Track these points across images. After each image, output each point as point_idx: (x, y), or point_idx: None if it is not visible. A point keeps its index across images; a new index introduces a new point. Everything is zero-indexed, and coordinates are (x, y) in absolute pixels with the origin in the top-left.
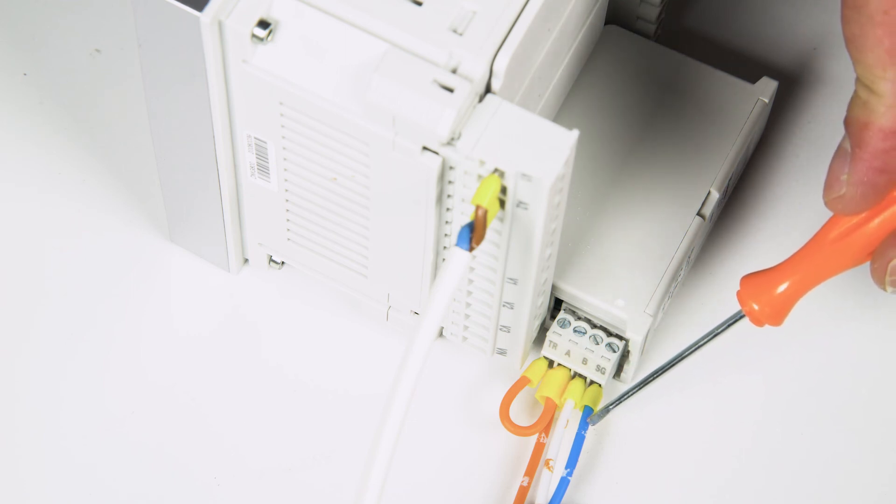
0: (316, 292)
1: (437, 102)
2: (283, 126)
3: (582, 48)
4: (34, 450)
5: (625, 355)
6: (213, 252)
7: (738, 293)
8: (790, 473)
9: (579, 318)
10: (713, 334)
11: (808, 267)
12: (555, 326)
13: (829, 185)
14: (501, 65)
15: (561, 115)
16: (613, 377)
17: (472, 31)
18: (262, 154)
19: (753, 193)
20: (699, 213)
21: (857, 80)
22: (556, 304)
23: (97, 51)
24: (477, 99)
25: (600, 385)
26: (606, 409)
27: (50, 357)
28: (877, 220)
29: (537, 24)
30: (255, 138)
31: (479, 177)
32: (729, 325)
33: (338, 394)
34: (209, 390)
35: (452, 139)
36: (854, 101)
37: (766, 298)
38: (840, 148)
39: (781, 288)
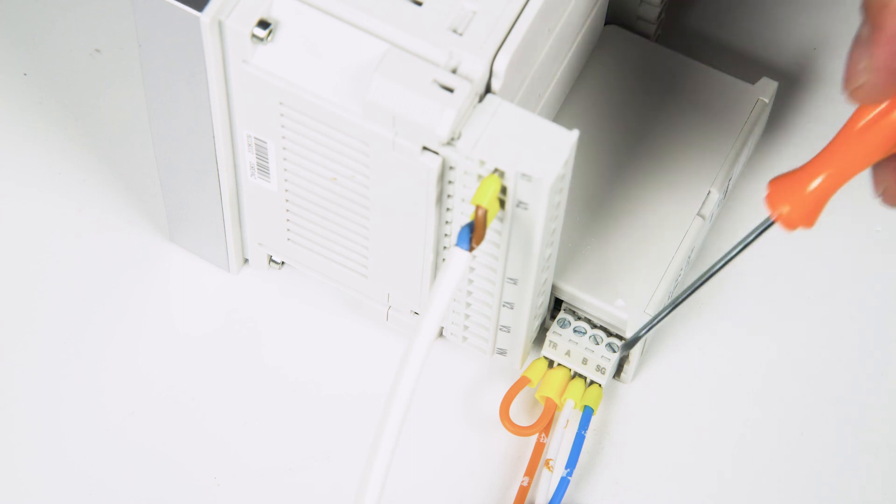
0: (316, 292)
1: (437, 102)
2: (283, 126)
3: (582, 48)
4: (33, 450)
5: (625, 355)
6: (213, 252)
7: (767, 197)
8: (790, 474)
9: (579, 318)
10: (743, 244)
11: (837, 161)
12: (555, 326)
13: (848, 76)
14: (501, 65)
15: (561, 115)
16: (613, 377)
17: (472, 31)
18: (262, 154)
19: (753, 193)
20: (699, 213)
21: None
22: (556, 304)
23: (97, 51)
24: (477, 99)
25: (600, 385)
26: (637, 337)
27: (49, 357)
28: None
29: (537, 24)
30: (255, 138)
31: (479, 177)
32: (759, 233)
33: (337, 394)
34: (209, 390)
35: (452, 139)
36: None
37: (797, 199)
38: (858, 35)
39: (812, 185)
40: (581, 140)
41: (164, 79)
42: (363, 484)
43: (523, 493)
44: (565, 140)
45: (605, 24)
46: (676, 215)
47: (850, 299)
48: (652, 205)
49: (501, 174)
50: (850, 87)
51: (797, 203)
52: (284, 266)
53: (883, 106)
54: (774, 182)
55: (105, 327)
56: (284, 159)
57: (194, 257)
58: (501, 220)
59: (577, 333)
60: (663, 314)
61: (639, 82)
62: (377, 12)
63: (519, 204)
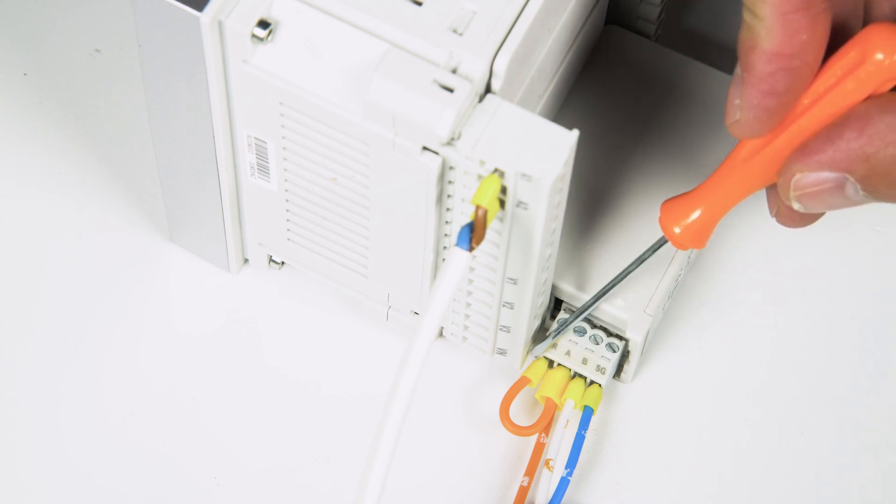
0: (316, 292)
1: (437, 102)
2: (283, 126)
3: (582, 48)
4: (33, 450)
5: (625, 355)
6: (213, 252)
7: (660, 219)
8: (790, 474)
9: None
10: (640, 260)
11: (722, 189)
12: (555, 326)
13: (726, 111)
14: (501, 65)
15: (561, 115)
16: (613, 377)
17: (472, 31)
18: (262, 154)
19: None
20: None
21: (742, 4)
22: (556, 304)
23: (97, 51)
24: (477, 99)
25: (600, 385)
26: (553, 337)
27: (49, 357)
28: (780, 139)
29: (537, 24)
30: (255, 138)
31: (479, 177)
32: (654, 250)
33: (337, 394)
34: (209, 390)
35: (452, 139)
36: (742, 25)
37: (685, 223)
38: (734, 74)
39: (698, 212)
40: (581, 140)
41: (164, 79)
42: (363, 484)
43: (523, 493)
44: (565, 140)
45: (605, 24)
46: None
47: (850, 299)
48: (652, 205)
49: (501, 174)
50: (728, 121)
51: (686, 227)
52: (284, 266)
53: (763, 140)
54: (666, 204)
55: (105, 327)
56: (284, 159)
57: (194, 257)
58: (501, 220)
59: (577, 333)
60: (567, 323)
61: (639, 82)
62: (377, 12)
63: (519, 204)
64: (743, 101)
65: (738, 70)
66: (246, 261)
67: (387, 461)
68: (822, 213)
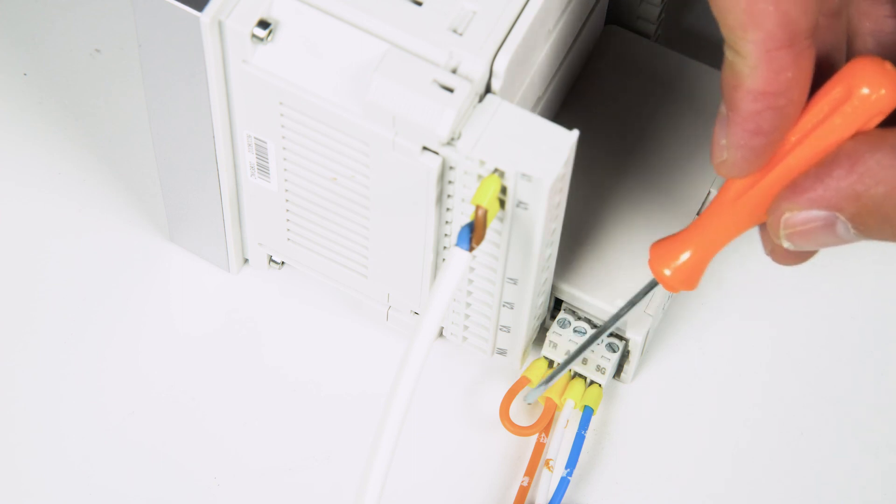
0: (316, 292)
1: (437, 102)
2: (283, 126)
3: (582, 48)
4: (33, 450)
5: (625, 355)
6: (213, 252)
7: (650, 261)
8: (790, 474)
9: (579, 318)
10: (631, 304)
11: (711, 229)
12: (555, 326)
13: (712, 151)
14: (501, 65)
15: (561, 115)
16: (613, 377)
17: (472, 31)
18: (262, 154)
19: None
20: (699, 213)
21: (724, 42)
22: (556, 304)
23: (97, 51)
24: (477, 99)
25: (600, 385)
26: (545, 383)
27: (49, 357)
28: (768, 178)
29: (537, 24)
30: (255, 138)
31: (479, 177)
32: (644, 293)
33: (337, 394)
34: (209, 390)
35: (452, 139)
36: (724, 64)
37: (675, 265)
38: (719, 113)
39: (688, 254)
40: (581, 140)
41: (164, 79)
42: (363, 484)
43: (523, 493)
44: (565, 140)
45: (605, 24)
46: (676, 215)
47: (850, 299)
48: (652, 205)
49: (501, 174)
50: (715, 161)
51: (676, 269)
52: (284, 266)
53: (751, 179)
54: (655, 246)
55: (105, 327)
56: (284, 159)
57: (194, 257)
58: (501, 220)
59: (577, 333)
60: (560, 369)
61: (639, 82)
62: (377, 12)
63: (519, 204)
64: (729, 140)
65: (722, 109)
66: (246, 261)
67: (387, 461)
68: (815, 252)
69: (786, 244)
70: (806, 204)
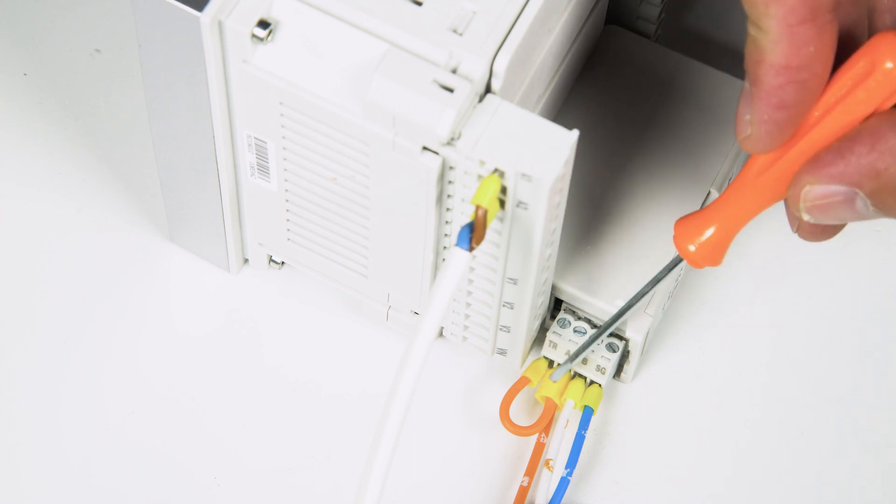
0: (316, 292)
1: (437, 102)
2: (283, 126)
3: (582, 48)
4: (33, 450)
5: (625, 355)
6: (213, 252)
7: (674, 237)
8: (790, 474)
9: (579, 318)
10: (656, 280)
11: (735, 205)
12: (555, 326)
13: (737, 127)
14: (501, 65)
15: (561, 115)
16: (613, 377)
17: (472, 31)
18: (262, 154)
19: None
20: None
21: (747, 18)
22: (556, 304)
23: (97, 51)
24: (477, 99)
25: (600, 385)
26: (570, 361)
27: (49, 357)
28: (791, 153)
29: (537, 24)
30: (255, 138)
31: (479, 177)
32: (670, 270)
33: (337, 394)
34: (209, 391)
35: (452, 139)
36: (747, 40)
37: (700, 240)
38: (743, 89)
39: (713, 229)
40: (581, 140)
41: (164, 79)
42: (363, 484)
43: (523, 493)
44: (565, 140)
45: (605, 24)
46: (676, 215)
47: (850, 299)
48: (652, 205)
49: (501, 174)
50: (739, 137)
51: (701, 245)
52: (284, 266)
53: (774, 154)
54: (680, 222)
55: (105, 327)
56: (284, 159)
57: (194, 257)
58: (501, 220)
59: (577, 333)
60: (578, 352)
61: (639, 82)
62: (377, 12)
63: (519, 204)
64: (753, 115)
65: (746, 85)
66: (246, 261)
67: (387, 461)
68: (842, 226)
69: (805, 217)
70: (826, 178)
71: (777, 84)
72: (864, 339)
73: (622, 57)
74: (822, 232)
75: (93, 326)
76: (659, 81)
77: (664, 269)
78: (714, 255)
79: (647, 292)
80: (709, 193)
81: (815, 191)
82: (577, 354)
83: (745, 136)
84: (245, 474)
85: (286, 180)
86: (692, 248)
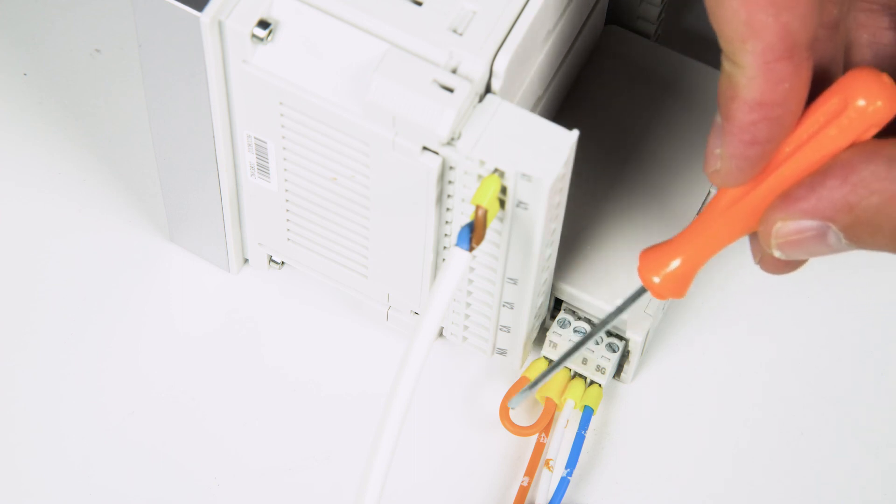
0: (316, 292)
1: (437, 102)
2: (283, 126)
3: (582, 48)
4: (33, 450)
5: (625, 355)
6: (213, 252)
7: (639, 268)
8: (790, 474)
9: (579, 318)
10: (618, 311)
11: (703, 237)
12: (555, 326)
13: (706, 160)
14: (501, 65)
15: (561, 115)
16: (613, 377)
17: (472, 31)
18: (262, 154)
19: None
20: (699, 213)
21: (722, 53)
22: (556, 304)
23: (97, 51)
24: (477, 99)
25: (600, 385)
26: (528, 389)
27: (49, 357)
28: (762, 187)
29: (537, 24)
30: (255, 138)
31: (479, 177)
32: (633, 300)
33: (337, 394)
34: (209, 391)
35: (452, 139)
36: (721, 74)
37: (665, 272)
38: (714, 122)
39: (677, 262)
40: (581, 140)
41: (164, 79)
42: (363, 484)
43: (523, 493)
44: (565, 140)
45: (605, 24)
46: (676, 215)
47: (850, 299)
48: (652, 205)
49: (501, 174)
50: (708, 170)
51: (665, 277)
52: (284, 266)
53: (744, 188)
54: (645, 253)
55: (105, 327)
56: (284, 159)
57: (194, 257)
58: (501, 220)
59: (577, 333)
60: (548, 372)
61: (639, 82)
62: (377, 12)
63: (519, 204)
64: (724, 150)
65: (717, 119)
66: (246, 261)
67: (387, 461)
68: (806, 261)
69: (777, 253)
70: (798, 214)
71: (750, 120)
72: (864, 339)
73: (622, 57)
74: (785, 266)
75: (93, 326)
76: (659, 81)
77: (627, 299)
78: (678, 287)
79: (609, 322)
80: (708, 193)
81: (787, 227)
82: (539, 380)
83: (714, 169)
84: (245, 474)
85: (286, 180)
86: (657, 279)
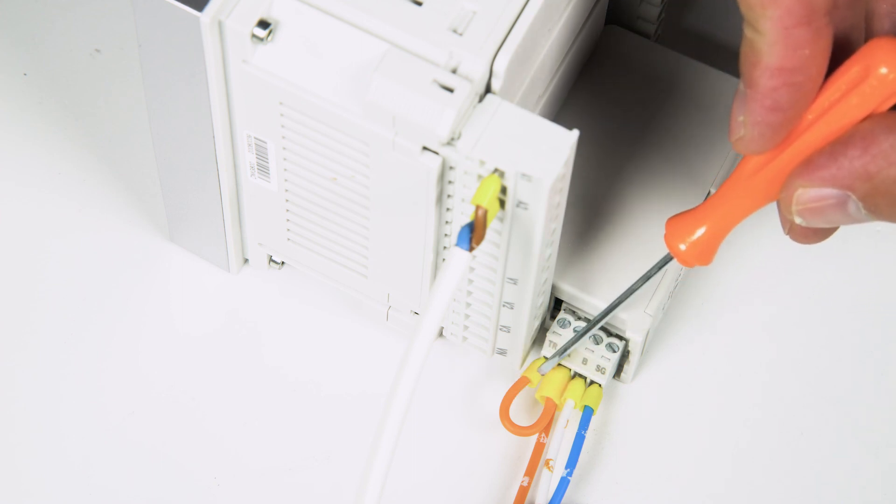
0: (316, 292)
1: (437, 102)
2: (283, 126)
3: (582, 48)
4: (33, 450)
5: (625, 355)
6: (213, 252)
7: (665, 236)
8: (790, 474)
9: (579, 318)
10: (646, 277)
11: (727, 206)
12: (555, 326)
13: (730, 128)
14: (501, 65)
15: (561, 115)
16: (613, 377)
17: (472, 31)
18: (262, 154)
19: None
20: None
21: (743, 20)
22: (556, 304)
23: (97, 51)
24: (477, 99)
25: (600, 385)
26: (559, 355)
27: (49, 357)
28: (784, 155)
29: (537, 24)
30: (255, 138)
31: (479, 177)
32: (659, 267)
33: (337, 394)
34: (209, 391)
35: (452, 139)
36: (743, 41)
37: (691, 239)
38: (737, 90)
39: (704, 229)
40: (581, 140)
41: (164, 79)
42: (363, 484)
43: (523, 493)
44: (565, 140)
45: (605, 24)
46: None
47: (850, 299)
48: (652, 205)
49: (501, 174)
50: (732, 138)
51: (691, 244)
52: (284, 266)
53: (767, 155)
54: (672, 221)
55: (105, 327)
56: (284, 159)
57: (194, 257)
58: (501, 220)
59: (577, 333)
60: (570, 343)
61: (639, 82)
62: (377, 12)
63: (519, 204)
64: (747, 117)
65: (740, 86)
66: (246, 261)
67: (387, 461)
68: (835, 229)
69: (797, 220)
70: (818, 181)
71: (772, 86)
72: (864, 339)
73: (622, 57)
74: (814, 235)
75: (93, 326)
76: (659, 81)
77: (654, 266)
78: (704, 254)
79: (636, 289)
80: (708, 193)
81: (807, 194)
82: (567, 347)
83: (738, 137)
84: (245, 474)
85: (286, 180)
86: (683, 246)
